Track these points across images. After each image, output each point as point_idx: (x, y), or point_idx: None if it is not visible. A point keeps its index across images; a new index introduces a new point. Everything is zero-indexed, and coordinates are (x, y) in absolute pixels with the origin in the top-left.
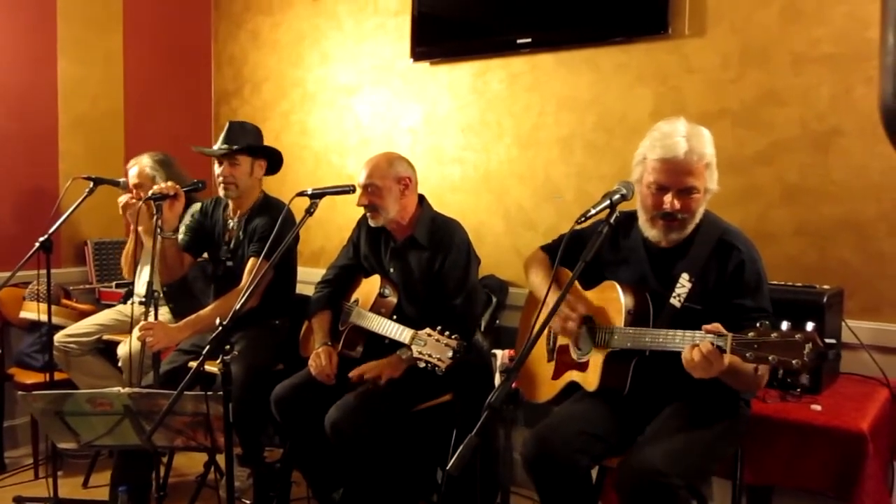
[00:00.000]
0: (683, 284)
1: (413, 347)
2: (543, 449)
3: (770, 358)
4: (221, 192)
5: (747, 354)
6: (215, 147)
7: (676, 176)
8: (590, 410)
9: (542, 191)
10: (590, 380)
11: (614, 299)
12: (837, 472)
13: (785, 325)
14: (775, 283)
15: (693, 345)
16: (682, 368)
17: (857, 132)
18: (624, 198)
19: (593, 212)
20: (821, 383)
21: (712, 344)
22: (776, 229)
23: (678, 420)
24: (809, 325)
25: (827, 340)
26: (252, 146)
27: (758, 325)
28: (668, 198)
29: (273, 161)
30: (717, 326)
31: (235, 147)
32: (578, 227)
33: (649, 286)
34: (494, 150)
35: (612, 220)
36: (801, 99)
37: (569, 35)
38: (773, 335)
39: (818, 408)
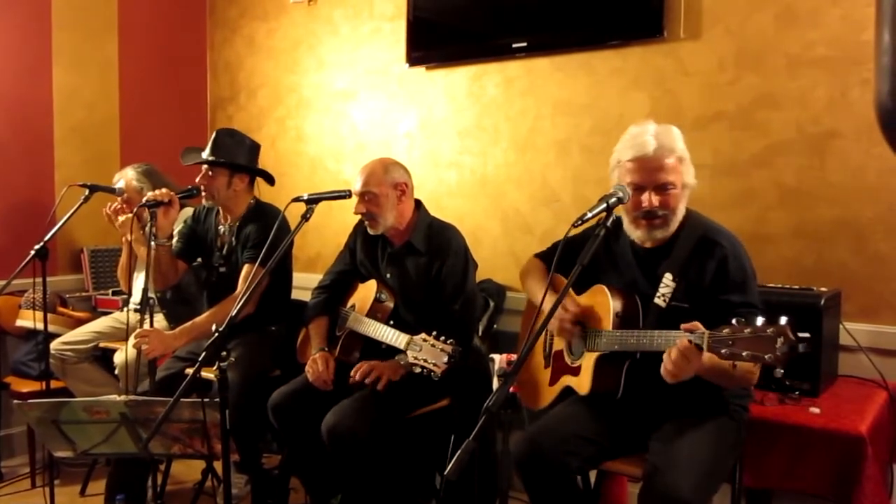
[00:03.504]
0: (667, 284)
1: (409, 353)
2: (534, 451)
3: (744, 354)
4: (202, 199)
5: (722, 351)
6: (203, 154)
7: (649, 173)
8: (582, 413)
9: (539, 195)
10: (582, 383)
11: (603, 303)
12: (836, 474)
13: (760, 321)
14: (773, 285)
15: (671, 348)
16: None
17: (853, 134)
18: (620, 201)
19: (590, 215)
20: (819, 386)
21: (689, 341)
22: (773, 232)
23: (691, 439)
24: (783, 319)
25: (800, 334)
26: (226, 163)
27: (733, 321)
28: (645, 196)
29: (264, 175)
30: (693, 325)
31: (206, 160)
32: (574, 231)
33: (638, 287)
34: (491, 154)
35: (608, 224)
36: (796, 102)
37: (564, 39)
38: (747, 331)
39: (817, 410)
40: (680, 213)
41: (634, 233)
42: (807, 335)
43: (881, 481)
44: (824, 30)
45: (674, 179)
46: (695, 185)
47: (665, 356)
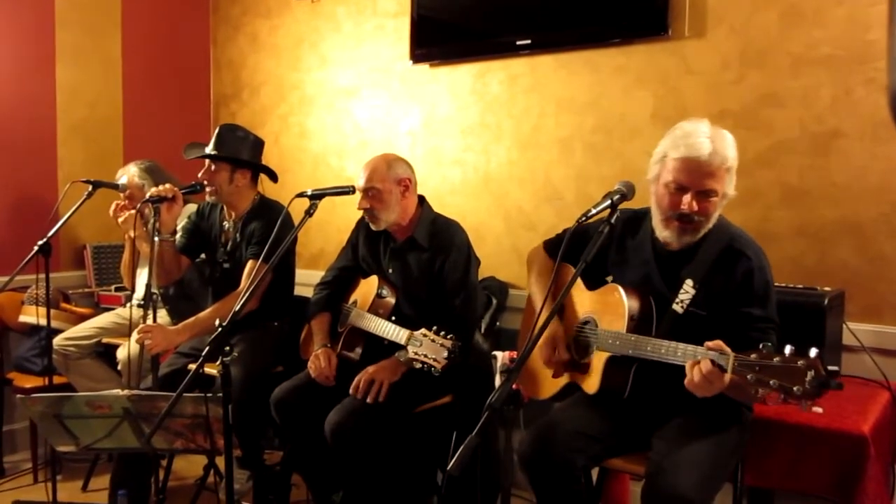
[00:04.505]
0: (687, 290)
1: (409, 348)
2: (540, 448)
3: (771, 382)
4: (206, 195)
5: (748, 377)
6: (206, 149)
7: (698, 177)
8: (588, 411)
9: (542, 192)
10: (590, 382)
11: (617, 303)
12: (838, 474)
13: (788, 350)
14: (776, 284)
15: (694, 362)
16: (682, 376)
17: (857, 134)
18: (624, 197)
19: (594, 212)
20: None
21: (712, 362)
22: (776, 231)
23: (694, 438)
24: (813, 352)
25: (830, 368)
26: (228, 157)
27: (760, 346)
28: (686, 198)
29: (267, 171)
30: (719, 344)
31: (208, 154)
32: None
33: (653, 287)
34: (494, 151)
35: (612, 220)
36: (800, 101)
37: (568, 37)
38: (776, 359)
39: (819, 410)
40: (712, 221)
41: (663, 233)
42: (835, 369)
43: (883, 481)
44: (829, 29)
45: (718, 188)
46: (732, 196)
47: (687, 372)
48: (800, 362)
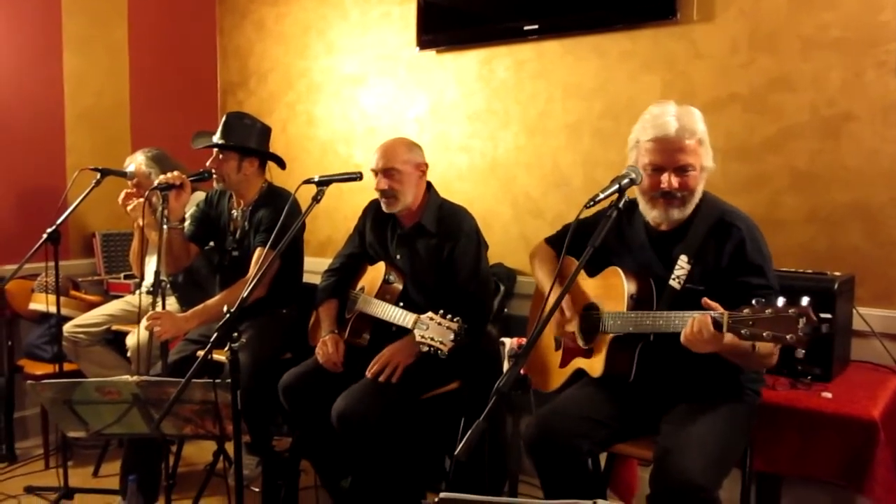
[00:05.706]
0: (682, 266)
1: (416, 332)
2: (544, 433)
3: (765, 334)
4: (213, 183)
5: (742, 331)
6: (213, 138)
7: (670, 154)
8: (594, 396)
9: (549, 178)
10: (595, 366)
11: (617, 285)
12: (848, 459)
13: (780, 301)
14: (785, 269)
15: (692, 320)
16: (687, 354)
17: (868, 117)
18: (633, 182)
19: (602, 196)
20: (831, 371)
21: (709, 317)
22: (786, 216)
23: (701, 421)
24: (805, 300)
25: (822, 315)
26: (234, 146)
27: (753, 301)
28: (665, 177)
29: (275, 158)
30: (712, 305)
31: (216, 144)
32: (586, 211)
33: (652, 269)
34: (501, 137)
35: (620, 205)
36: (810, 84)
37: (576, 21)
38: (768, 311)
39: (829, 395)
40: (697, 194)
41: (650, 213)
42: (828, 316)
43: (893, 467)
44: (839, 11)
45: (693, 161)
46: (713, 168)
47: (684, 331)
48: (791, 311)
